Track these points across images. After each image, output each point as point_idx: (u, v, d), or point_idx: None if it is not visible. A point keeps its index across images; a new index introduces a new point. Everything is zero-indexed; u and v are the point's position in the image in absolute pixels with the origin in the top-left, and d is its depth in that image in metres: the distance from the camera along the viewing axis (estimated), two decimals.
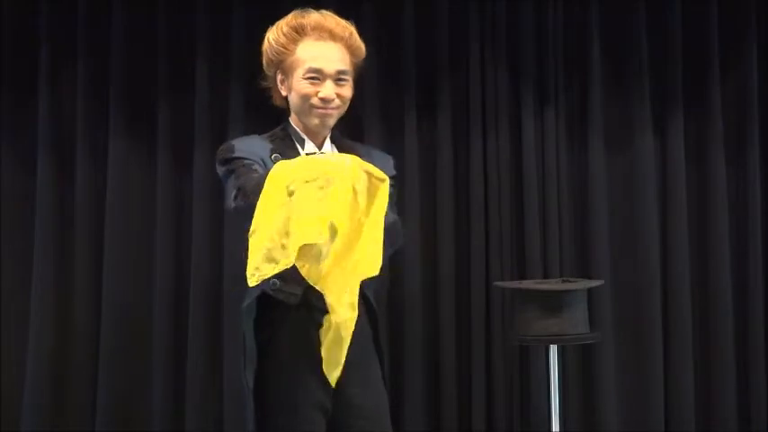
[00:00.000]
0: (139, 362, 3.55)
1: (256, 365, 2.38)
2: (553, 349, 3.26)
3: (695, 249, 3.65)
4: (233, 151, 2.50)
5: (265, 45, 2.58)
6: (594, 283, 3.35)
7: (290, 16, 2.55)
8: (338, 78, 2.50)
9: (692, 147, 3.69)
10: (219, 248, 3.55)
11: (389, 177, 2.28)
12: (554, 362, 3.27)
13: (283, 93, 2.58)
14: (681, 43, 3.66)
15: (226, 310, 3.50)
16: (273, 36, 2.55)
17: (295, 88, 2.52)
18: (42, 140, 3.62)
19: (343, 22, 2.55)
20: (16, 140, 3.68)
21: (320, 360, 2.25)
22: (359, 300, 2.19)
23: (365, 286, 2.29)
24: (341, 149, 2.56)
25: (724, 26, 3.69)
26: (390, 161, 2.66)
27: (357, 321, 2.20)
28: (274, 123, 3.56)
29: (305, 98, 2.51)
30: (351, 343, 2.20)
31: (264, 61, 2.60)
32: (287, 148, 2.53)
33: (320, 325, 2.23)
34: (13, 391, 3.58)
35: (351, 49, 2.55)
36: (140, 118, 3.63)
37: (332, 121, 2.55)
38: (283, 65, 2.55)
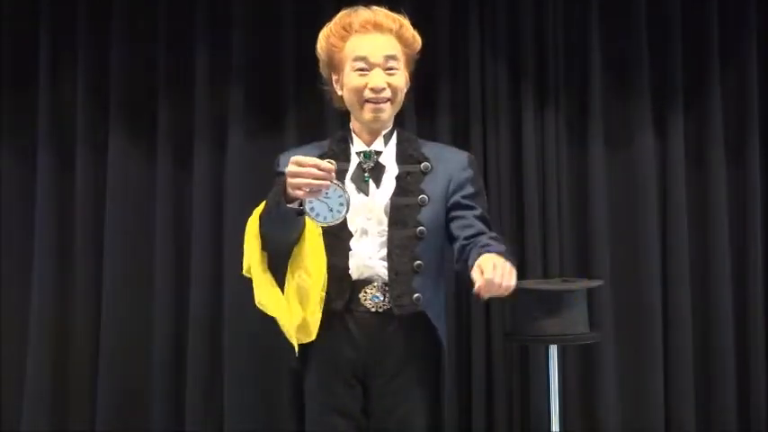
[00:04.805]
0: (139, 362, 3.56)
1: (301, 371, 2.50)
2: (553, 349, 3.26)
3: (695, 249, 3.65)
4: (278, 165, 2.50)
5: (318, 47, 2.54)
6: (594, 283, 3.35)
7: (339, 15, 2.51)
8: (387, 67, 2.44)
9: (692, 147, 3.69)
10: (220, 248, 3.55)
11: (464, 179, 2.47)
12: (554, 362, 3.26)
13: (339, 92, 2.52)
14: (681, 43, 3.66)
15: (226, 309, 3.51)
16: (324, 35, 2.52)
17: (346, 84, 2.47)
18: (42, 139, 3.62)
19: (393, 14, 2.50)
20: (16, 139, 3.68)
21: (347, 367, 2.43)
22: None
23: (426, 306, 2.41)
24: (402, 147, 2.51)
25: (724, 26, 3.69)
26: (464, 159, 2.55)
27: (401, 334, 2.42)
28: (274, 123, 3.60)
29: (356, 91, 2.45)
30: (391, 355, 2.42)
31: (320, 64, 2.56)
32: (340, 148, 2.50)
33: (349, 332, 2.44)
34: (13, 390, 3.59)
35: (402, 40, 2.49)
36: (140, 117, 3.63)
37: (385, 116, 2.46)
38: (335, 63, 2.51)
